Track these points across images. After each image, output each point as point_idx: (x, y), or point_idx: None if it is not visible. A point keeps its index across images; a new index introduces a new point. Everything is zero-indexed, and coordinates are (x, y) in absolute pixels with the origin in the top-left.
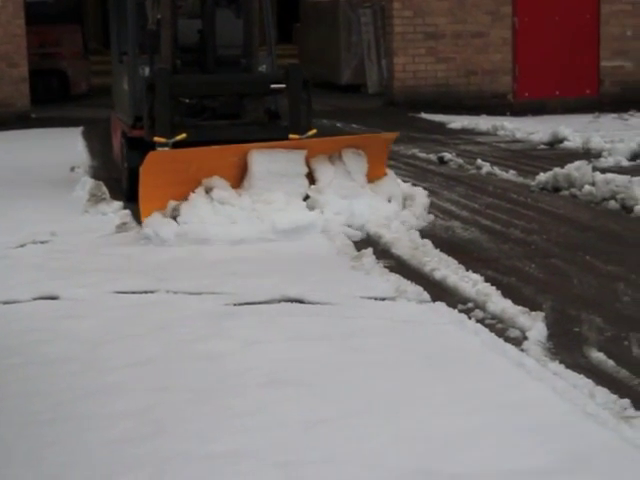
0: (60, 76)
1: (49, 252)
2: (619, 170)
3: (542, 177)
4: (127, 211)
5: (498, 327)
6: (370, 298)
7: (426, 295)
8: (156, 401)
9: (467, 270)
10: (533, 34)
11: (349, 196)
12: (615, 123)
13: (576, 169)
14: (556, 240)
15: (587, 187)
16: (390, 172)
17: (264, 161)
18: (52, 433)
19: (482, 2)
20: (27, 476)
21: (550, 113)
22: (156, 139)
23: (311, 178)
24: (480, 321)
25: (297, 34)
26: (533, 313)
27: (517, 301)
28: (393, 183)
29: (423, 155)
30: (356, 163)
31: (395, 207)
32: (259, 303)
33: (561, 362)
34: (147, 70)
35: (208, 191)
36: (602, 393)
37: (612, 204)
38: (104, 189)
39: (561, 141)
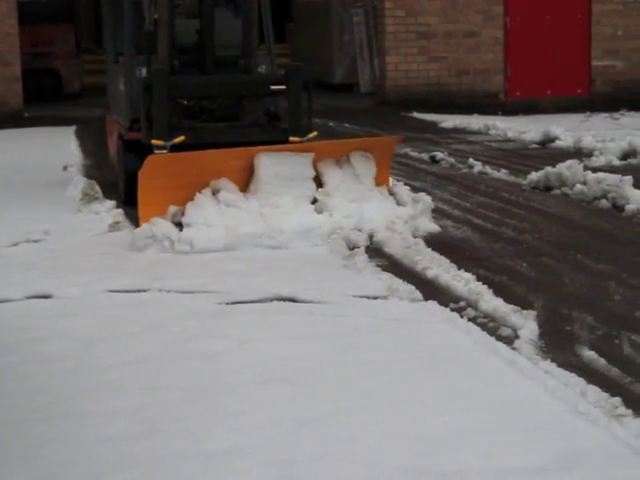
0: (53, 75)
1: (42, 251)
2: (610, 169)
3: (534, 176)
4: (120, 210)
5: (490, 326)
6: (362, 297)
7: (418, 294)
8: (150, 399)
9: (459, 269)
10: (525, 34)
11: (358, 199)
12: (606, 122)
13: (567, 168)
14: (547, 239)
15: (578, 186)
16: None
17: (271, 165)
18: (48, 431)
19: (474, 2)
20: (23, 474)
21: (542, 112)
22: (154, 142)
23: (318, 182)
24: (472, 320)
25: (290, 33)
26: (525, 312)
27: (509, 300)
28: (401, 186)
29: (415, 154)
30: (364, 166)
31: (409, 210)
32: (252, 302)
33: (552, 361)
34: (144, 71)
35: (215, 193)
36: (593, 392)
37: (603, 203)
38: (97, 188)
39: (553, 140)
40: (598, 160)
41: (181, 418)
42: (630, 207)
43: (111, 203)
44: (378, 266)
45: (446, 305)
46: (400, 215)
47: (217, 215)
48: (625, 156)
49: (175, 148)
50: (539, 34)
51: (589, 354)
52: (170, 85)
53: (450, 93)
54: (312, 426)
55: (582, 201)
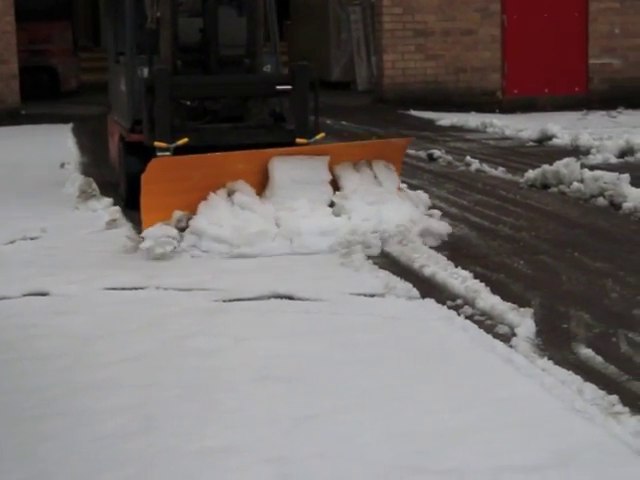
0: (50, 73)
1: (39, 248)
2: (607, 167)
3: (531, 174)
4: (117, 207)
5: (487, 323)
6: (359, 294)
7: (415, 292)
8: (147, 397)
9: (456, 267)
10: (522, 32)
11: (376, 202)
12: (603, 120)
13: (565, 166)
14: (545, 237)
15: (576, 184)
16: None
17: (286, 169)
18: (44, 428)
19: (471, 0)
20: (19, 471)
21: (539, 110)
22: (156, 144)
23: (334, 186)
24: (469, 317)
25: (287, 31)
26: (522, 309)
27: (506, 297)
28: (417, 192)
29: (412, 152)
30: (386, 173)
31: (422, 213)
32: (249, 299)
33: (550, 358)
34: (146, 71)
35: (230, 194)
36: (590, 389)
37: (600, 201)
38: (94, 186)
39: (550, 138)
40: (595, 158)
41: (178, 415)
42: (627, 205)
43: (108, 200)
44: (375, 264)
45: (443, 303)
46: (416, 218)
47: (230, 217)
48: (622, 154)
49: (178, 150)
50: (536, 32)
51: (586, 352)
52: (173, 85)
53: (447, 91)
54: (309, 423)
55: (579, 199)
